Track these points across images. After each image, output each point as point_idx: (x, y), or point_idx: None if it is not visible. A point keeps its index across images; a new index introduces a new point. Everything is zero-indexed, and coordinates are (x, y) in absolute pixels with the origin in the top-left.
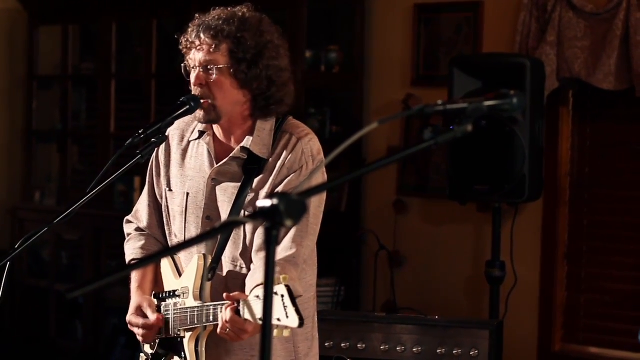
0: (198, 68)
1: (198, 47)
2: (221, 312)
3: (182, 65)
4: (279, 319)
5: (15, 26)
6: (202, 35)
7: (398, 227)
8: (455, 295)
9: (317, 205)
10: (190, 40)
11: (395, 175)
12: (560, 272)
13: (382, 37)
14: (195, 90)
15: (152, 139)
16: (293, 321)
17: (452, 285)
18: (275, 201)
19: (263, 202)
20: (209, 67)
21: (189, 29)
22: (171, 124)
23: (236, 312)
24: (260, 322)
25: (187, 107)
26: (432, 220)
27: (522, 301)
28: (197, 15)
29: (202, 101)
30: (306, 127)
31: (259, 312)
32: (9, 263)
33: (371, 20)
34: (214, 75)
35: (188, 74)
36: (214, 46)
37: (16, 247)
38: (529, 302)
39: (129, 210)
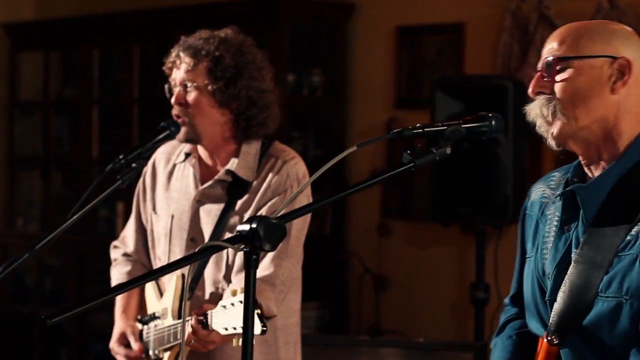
0: (178, 87)
1: (178, 66)
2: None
3: (166, 86)
4: (242, 327)
5: None
6: (181, 54)
7: (382, 250)
8: (439, 317)
9: (299, 227)
10: (172, 60)
11: (378, 198)
12: None
13: (365, 60)
14: (174, 109)
15: (133, 164)
16: (256, 328)
17: (437, 308)
18: (254, 225)
19: (242, 226)
20: (187, 85)
21: (172, 50)
22: (151, 148)
23: (202, 323)
24: (225, 332)
25: (168, 132)
26: (416, 243)
27: None
28: (182, 37)
29: (179, 119)
30: (292, 150)
31: (224, 321)
32: None
33: (353, 43)
34: (192, 94)
35: (172, 95)
36: (192, 64)
37: None
38: None
39: (112, 236)
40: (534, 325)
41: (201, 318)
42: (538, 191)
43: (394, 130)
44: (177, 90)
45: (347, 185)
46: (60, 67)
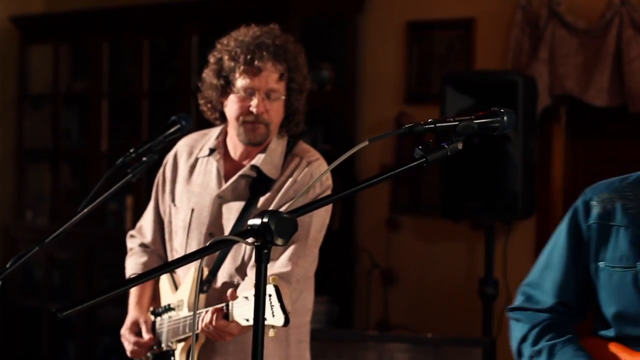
0: (261, 94)
1: (264, 74)
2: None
3: (220, 82)
4: (264, 319)
5: (6, 45)
6: (272, 63)
7: (391, 245)
8: (448, 313)
9: (318, 229)
10: (257, 64)
11: (388, 194)
12: None
13: (375, 55)
14: (249, 115)
15: (143, 158)
16: (279, 320)
17: (445, 303)
18: (265, 219)
19: (254, 220)
20: (273, 95)
21: (236, 47)
22: (162, 142)
23: (224, 315)
24: (246, 323)
25: (179, 125)
26: (425, 238)
27: None
28: (236, 34)
29: (259, 125)
30: (316, 151)
31: (245, 312)
32: (0, 283)
33: (363, 38)
34: (276, 103)
35: (224, 89)
36: (279, 75)
37: (7, 266)
38: None
39: (121, 229)
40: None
41: (222, 306)
42: (611, 201)
43: (406, 126)
44: (260, 98)
45: (356, 180)
46: (70, 60)
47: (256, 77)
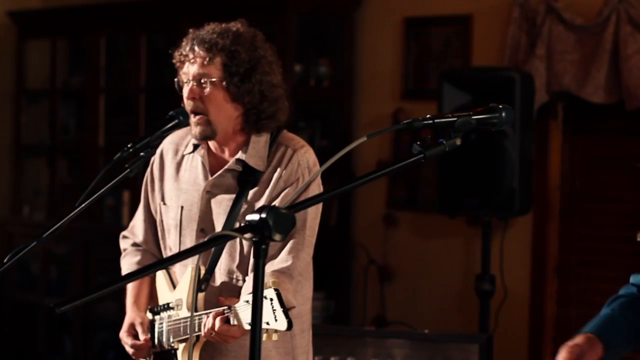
0: (191, 81)
1: (192, 60)
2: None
3: (175, 79)
4: (267, 323)
5: (3, 40)
6: (196, 48)
7: (388, 240)
8: (445, 309)
9: (313, 217)
10: (184, 53)
11: (384, 189)
12: (551, 286)
13: (372, 50)
14: (188, 105)
15: (141, 153)
16: (282, 324)
17: (442, 299)
18: (263, 215)
19: (252, 216)
20: (202, 80)
21: (183, 43)
22: (160, 138)
23: (226, 319)
24: (248, 327)
25: (176, 121)
26: (421, 234)
27: (512, 315)
28: (190, 30)
29: (197, 117)
30: (301, 139)
31: (248, 316)
32: None
33: (361, 34)
34: (208, 89)
35: (181, 88)
36: (207, 59)
37: (4, 261)
38: (519, 316)
39: (118, 224)
40: None
41: (224, 309)
42: None
43: (405, 121)
44: (190, 85)
45: (354, 176)
46: (67, 56)
47: (183, 65)
